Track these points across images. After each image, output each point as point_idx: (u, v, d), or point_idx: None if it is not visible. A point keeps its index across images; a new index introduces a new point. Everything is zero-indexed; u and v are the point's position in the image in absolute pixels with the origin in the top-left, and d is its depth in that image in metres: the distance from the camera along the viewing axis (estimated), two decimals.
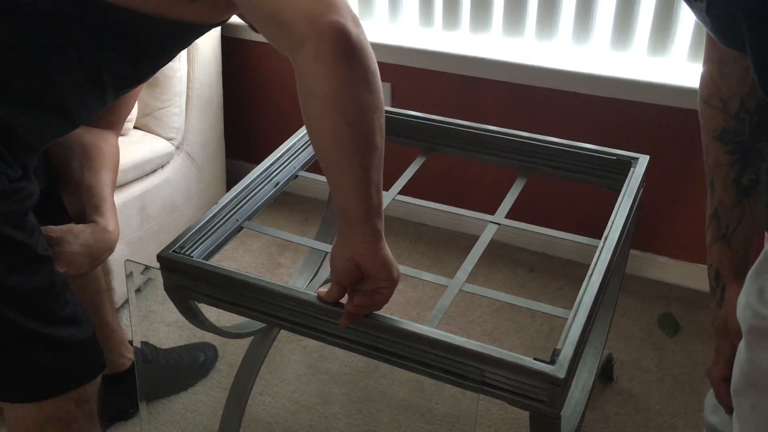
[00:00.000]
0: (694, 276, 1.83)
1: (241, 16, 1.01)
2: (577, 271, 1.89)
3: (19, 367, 0.92)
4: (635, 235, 1.36)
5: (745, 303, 0.70)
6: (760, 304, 0.67)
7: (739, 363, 0.71)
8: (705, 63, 0.88)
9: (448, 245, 2.00)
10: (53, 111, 0.92)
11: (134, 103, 1.40)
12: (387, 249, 0.85)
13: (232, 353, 1.65)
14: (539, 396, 0.85)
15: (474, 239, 1.14)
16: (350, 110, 0.77)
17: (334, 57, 0.75)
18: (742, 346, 0.71)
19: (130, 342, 1.47)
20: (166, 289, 1.04)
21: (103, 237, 1.08)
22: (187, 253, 1.03)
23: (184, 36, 0.99)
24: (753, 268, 0.71)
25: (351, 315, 0.88)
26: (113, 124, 1.22)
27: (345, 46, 0.75)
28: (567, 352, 0.86)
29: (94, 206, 1.11)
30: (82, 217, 1.11)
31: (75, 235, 1.04)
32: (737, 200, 0.88)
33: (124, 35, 0.91)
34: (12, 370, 0.92)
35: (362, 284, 0.86)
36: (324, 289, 0.91)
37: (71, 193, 1.13)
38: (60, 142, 1.05)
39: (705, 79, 0.88)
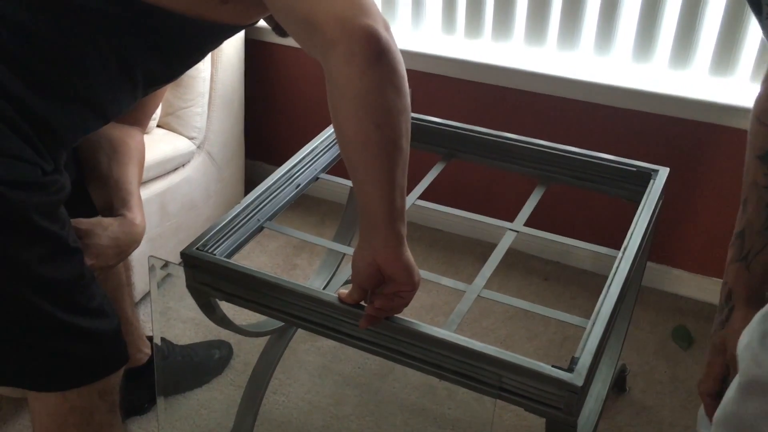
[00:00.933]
0: (708, 289, 1.82)
1: (265, 19, 1.03)
2: (592, 281, 1.90)
3: (45, 355, 0.93)
4: (651, 248, 1.36)
5: (747, 342, 0.68)
6: (761, 349, 0.66)
7: (727, 402, 0.69)
8: (764, 83, 0.86)
9: (463, 252, 2.01)
10: (87, 106, 0.94)
11: (160, 102, 1.42)
12: (409, 253, 0.86)
13: (246, 351, 1.67)
14: (556, 403, 0.86)
15: (489, 246, 1.14)
16: (378, 111, 0.78)
17: (364, 59, 0.76)
18: (734, 383, 0.69)
19: (148, 337, 1.49)
20: (187, 286, 1.05)
21: (131, 230, 1.10)
22: (209, 251, 1.04)
23: (215, 36, 1.01)
24: (764, 309, 0.68)
25: (371, 317, 0.89)
26: (140, 120, 1.24)
27: (375, 49, 0.77)
28: (585, 360, 0.87)
29: (122, 200, 1.13)
30: (110, 211, 1.13)
31: (104, 227, 1.06)
32: (766, 225, 0.85)
33: (158, 34, 0.93)
34: (38, 358, 0.93)
35: (383, 287, 0.87)
36: (344, 291, 0.92)
37: (98, 187, 1.14)
38: (88, 136, 1.07)
39: (762, 97, 0.86)
